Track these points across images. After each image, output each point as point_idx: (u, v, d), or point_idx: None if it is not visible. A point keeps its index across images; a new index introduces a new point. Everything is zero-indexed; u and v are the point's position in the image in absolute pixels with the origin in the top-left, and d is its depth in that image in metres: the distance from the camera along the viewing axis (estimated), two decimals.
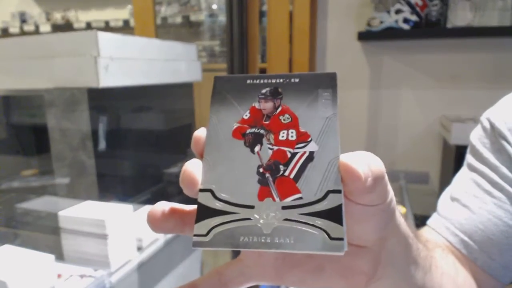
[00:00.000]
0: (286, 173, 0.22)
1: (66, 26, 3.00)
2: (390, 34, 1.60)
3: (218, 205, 0.21)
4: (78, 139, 0.86)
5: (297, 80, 0.24)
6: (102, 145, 0.89)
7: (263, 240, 0.20)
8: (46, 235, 0.87)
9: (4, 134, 1.03)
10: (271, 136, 0.23)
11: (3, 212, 0.99)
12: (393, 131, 1.77)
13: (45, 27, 3.02)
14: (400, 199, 1.13)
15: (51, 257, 0.59)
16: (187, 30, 2.62)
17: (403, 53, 1.70)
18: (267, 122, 0.23)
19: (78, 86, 0.84)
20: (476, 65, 1.61)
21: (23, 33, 3.03)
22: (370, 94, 1.77)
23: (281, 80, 0.24)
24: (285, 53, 1.68)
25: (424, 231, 0.49)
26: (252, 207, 0.21)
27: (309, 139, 0.22)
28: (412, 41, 1.67)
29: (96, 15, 3.06)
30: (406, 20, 1.55)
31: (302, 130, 0.23)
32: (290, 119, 0.23)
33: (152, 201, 1.03)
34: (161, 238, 0.82)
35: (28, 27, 3.05)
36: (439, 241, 0.47)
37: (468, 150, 0.51)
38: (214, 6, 2.45)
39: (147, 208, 0.88)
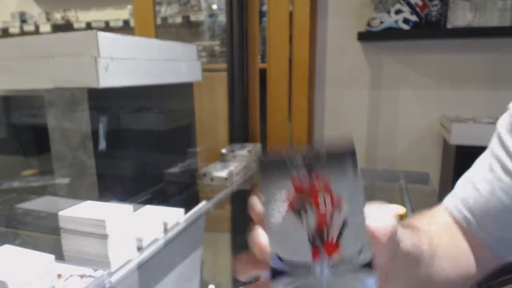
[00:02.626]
0: (329, 239, 0.28)
1: (66, 26, 3.00)
2: (390, 34, 1.60)
3: (284, 266, 0.28)
4: (78, 139, 0.86)
5: (327, 157, 0.28)
6: (102, 145, 0.89)
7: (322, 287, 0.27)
8: (46, 235, 0.87)
9: (4, 134, 1.03)
10: (313, 207, 0.28)
11: (3, 212, 0.99)
12: (393, 131, 1.77)
13: (45, 27, 3.02)
14: (400, 199, 1.13)
15: (51, 257, 0.59)
16: (187, 30, 2.62)
17: (403, 53, 1.70)
18: (307, 195, 0.28)
19: (78, 86, 0.84)
20: (476, 65, 1.61)
21: (23, 33, 3.04)
22: (370, 94, 1.77)
23: (316, 155, 0.28)
24: (285, 53, 1.68)
25: (437, 209, 0.54)
26: (309, 267, 0.27)
27: (342, 207, 0.28)
28: (412, 41, 1.67)
29: (96, 15, 3.06)
30: (406, 20, 1.55)
31: (335, 198, 0.28)
32: (326, 190, 0.28)
33: (152, 201, 1.03)
34: (161, 238, 0.82)
35: (28, 27, 3.05)
36: (446, 218, 0.52)
37: (494, 135, 0.53)
38: (214, 6, 2.45)
39: (147, 208, 0.88)
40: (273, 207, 0.29)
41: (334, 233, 0.27)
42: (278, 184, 0.29)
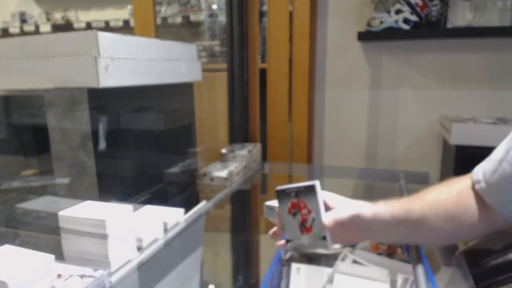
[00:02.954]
0: (307, 226, 0.63)
1: (66, 26, 3.00)
2: (390, 34, 1.60)
3: (289, 238, 0.66)
4: (78, 139, 0.86)
5: (303, 189, 0.63)
6: (102, 145, 0.89)
7: (306, 246, 0.69)
8: (46, 235, 0.87)
9: (4, 134, 1.03)
10: (299, 212, 0.64)
11: (3, 212, 0.99)
12: (393, 131, 1.77)
13: (45, 27, 3.03)
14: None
15: (51, 257, 0.59)
16: (187, 30, 2.62)
17: (403, 53, 1.70)
18: (297, 208, 0.64)
19: (78, 86, 0.84)
20: (476, 65, 1.61)
21: (23, 33, 3.04)
22: (370, 94, 1.77)
23: (298, 189, 0.64)
24: (285, 53, 1.68)
25: (463, 177, 0.66)
26: (299, 238, 0.65)
27: (311, 212, 0.63)
28: (412, 41, 1.67)
29: (96, 15, 3.06)
30: (406, 20, 1.55)
31: (309, 208, 0.63)
32: (305, 205, 0.63)
33: (152, 201, 1.03)
34: (161, 238, 0.82)
35: (28, 27, 3.06)
36: (466, 184, 0.64)
37: None
38: (214, 6, 2.45)
39: (147, 208, 0.88)
40: (283, 212, 0.66)
41: (308, 224, 0.63)
42: (285, 202, 0.65)
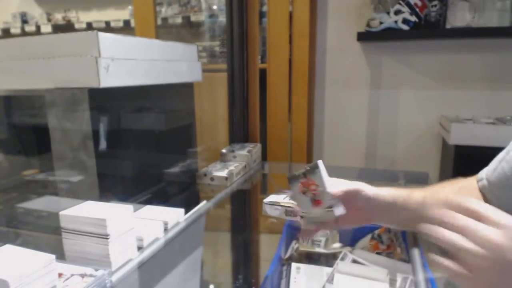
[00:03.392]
0: (317, 198, 0.71)
1: (67, 27, 3.00)
2: (390, 34, 1.60)
3: (304, 214, 0.75)
4: (79, 139, 0.86)
5: (309, 168, 0.70)
6: (103, 145, 0.89)
7: (318, 217, 0.74)
8: (47, 235, 0.87)
9: (5, 134, 1.03)
10: (308, 189, 0.71)
11: (4, 211, 1.00)
12: (393, 131, 1.77)
13: (46, 28, 3.03)
14: None
15: (52, 256, 0.59)
16: (187, 30, 2.63)
17: (403, 54, 1.70)
18: (307, 186, 0.71)
19: (79, 86, 0.84)
20: (475, 65, 1.62)
21: (24, 33, 3.04)
22: (370, 94, 1.77)
23: (305, 169, 0.70)
24: (285, 53, 1.69)
25: (471, 178, 0.70)
26: (311, 211, 0.72)
27: (319, 187, 0.70)
28: (412, 41, 1.68)
29: (96, 16, 3.07)
30: (405, 21, 1.56)
31: (316, 184, 0.70)
32: (312, 182, 0.70)
33: (152, 201, 1.04)
34: (162, 238, 0.83)
35: (29, 28, 3.06)
36: (471, 183, 0.69)
37: None
38: (214, 7, 2.45)
39: (148, 208, 0.88)
40: (296, 194, 0.73)
41: (318, 197, 0.70)
42: (296, 185, 0.72)
